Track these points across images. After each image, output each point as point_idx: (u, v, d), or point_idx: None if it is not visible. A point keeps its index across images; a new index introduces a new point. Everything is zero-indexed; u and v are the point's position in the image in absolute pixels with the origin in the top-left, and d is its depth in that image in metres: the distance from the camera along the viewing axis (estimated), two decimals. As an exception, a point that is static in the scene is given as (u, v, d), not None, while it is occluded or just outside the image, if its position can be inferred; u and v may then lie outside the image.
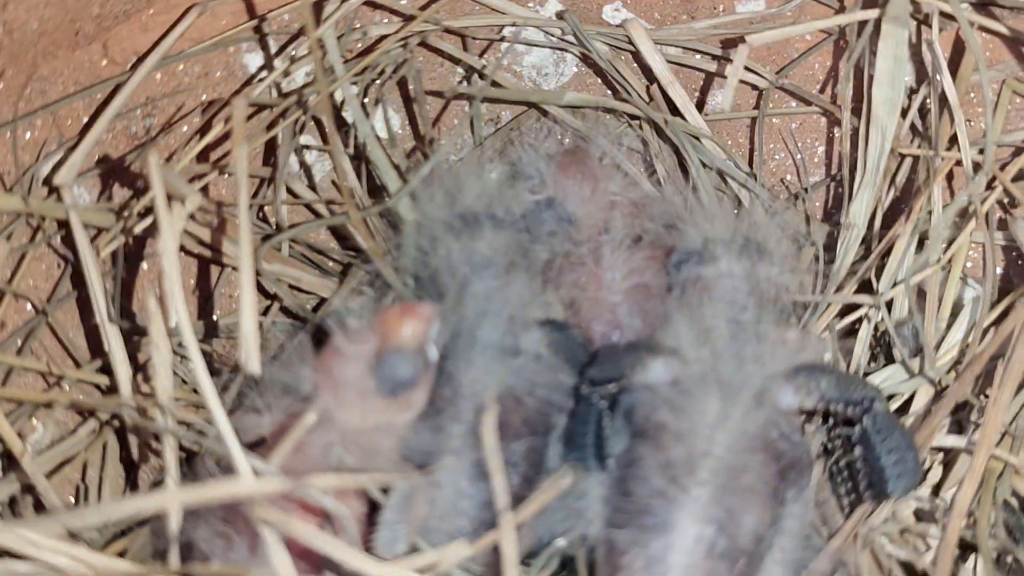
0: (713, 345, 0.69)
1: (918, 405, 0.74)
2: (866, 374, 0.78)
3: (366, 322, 0.70)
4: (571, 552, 0.68)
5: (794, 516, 0.67)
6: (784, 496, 0.66)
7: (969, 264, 0.83)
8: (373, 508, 0.66)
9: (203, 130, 0.80)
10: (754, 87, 0.89)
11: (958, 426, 0.72)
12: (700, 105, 0.90)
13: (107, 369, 0.72)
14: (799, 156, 0.92)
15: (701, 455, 0.65)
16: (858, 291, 0.79)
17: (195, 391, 0.74)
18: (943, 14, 0.80)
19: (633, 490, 0.65)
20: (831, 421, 0.72)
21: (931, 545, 0.67)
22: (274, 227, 0.83)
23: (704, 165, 0.86)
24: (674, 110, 0.87)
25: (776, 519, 0.66)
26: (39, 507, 0.67)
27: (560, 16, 0.88)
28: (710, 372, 0.68)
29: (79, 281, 0.74)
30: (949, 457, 0.71)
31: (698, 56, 0.89)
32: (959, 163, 0.79)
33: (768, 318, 0.72)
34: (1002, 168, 0.81)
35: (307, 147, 0.88)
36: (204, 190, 0.80)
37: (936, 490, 0.71)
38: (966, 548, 0.68)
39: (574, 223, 0.82)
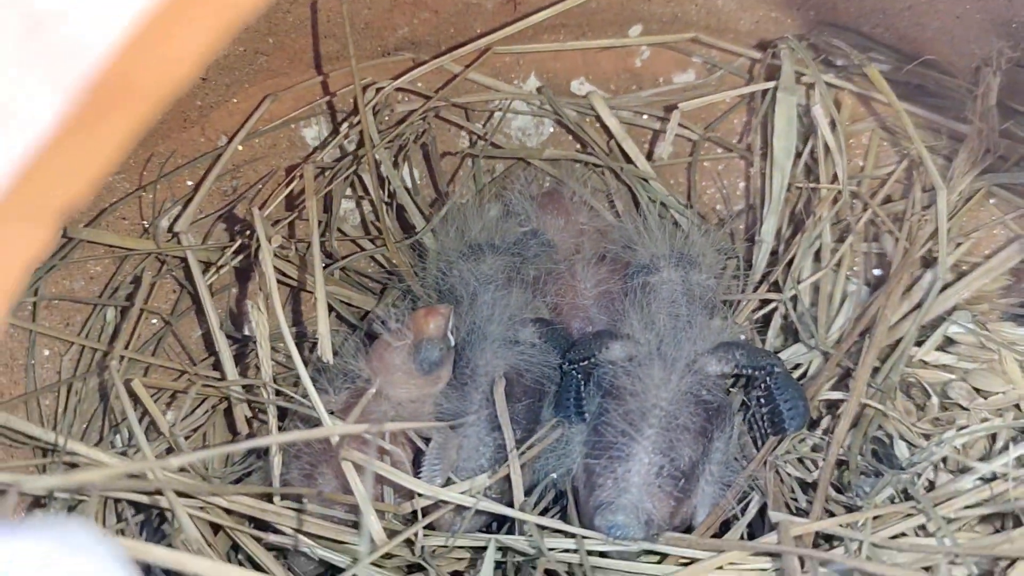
0: (657, 331, 0.78)
1: (813, 370, 0.85)
2: (777, 350, 0.87)
3: (403, 323, 0.79)
4: (561, 485, 0.77)
5: (719, 449, 0.76)
6: (712, 435, 0.75)
7: (855, 268, 0.91)
8: (416, 456, 0.76)
9: (288, 183, 0.86)
10: (688, 139, 0.98)
11: (846, 388, 0.81)
12: (648, 155, 0.97)
13: (217, 365, 0.83)
14: (724, 191, 0.98)
15: (651, 407, 0.74)
16: (770, 290, 0.89)
17: (275, 381, 0.82)
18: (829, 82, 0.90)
19: (603, 433, 0.74)
20: (748, 384, 0.81)
21: (819, 466, 0.77)
22: (328, 258, 0.91)
23: (651, 200, 0.93)
24: (628, 159, 0.95)
25: (706, 451, 0.75)
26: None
27: (539, 90, 0.97)
28: (655, 350, 0.77)
29: (194, 300, 0.85)
30: (839, 411, 0.79)
31: (645, 117, 0.97)
32: (840, 192, 0.88)
33: (697, 310, 0.81)
34: (872, 196, 0.90)
35: (361, 196, 0.95)
36: (291, 227, 0.88)
37: (826, 433, 0.80)
38: (842, 464, 0.77)
39: (553, 247, 0.90)
